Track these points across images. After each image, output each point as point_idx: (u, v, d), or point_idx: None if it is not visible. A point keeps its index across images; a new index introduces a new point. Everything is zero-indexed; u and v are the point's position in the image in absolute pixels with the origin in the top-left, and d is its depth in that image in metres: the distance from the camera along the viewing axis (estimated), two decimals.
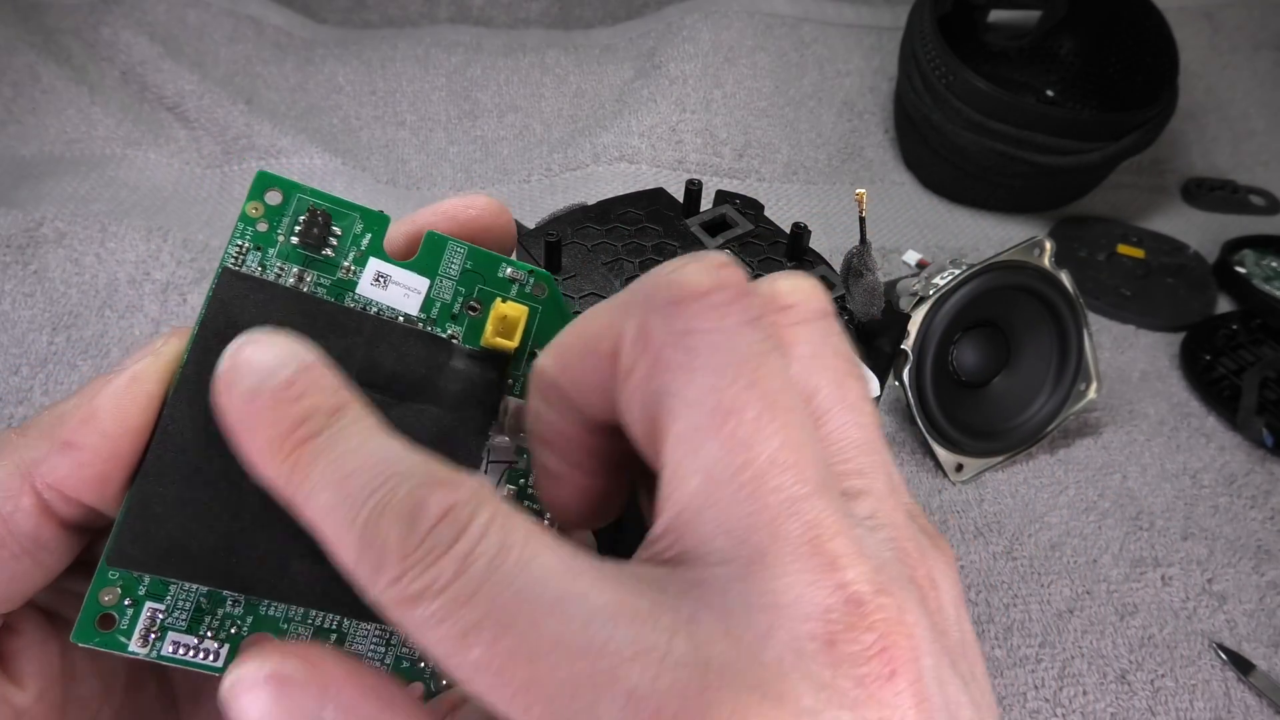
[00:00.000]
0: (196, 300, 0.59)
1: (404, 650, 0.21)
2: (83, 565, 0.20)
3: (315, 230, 0.20)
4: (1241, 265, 0.72)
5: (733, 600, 0.14)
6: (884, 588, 0.15)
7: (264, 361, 0.17)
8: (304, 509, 0.16)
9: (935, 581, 0.16)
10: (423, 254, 0.21)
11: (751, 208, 0.43)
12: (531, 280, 0.22)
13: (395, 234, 0.21)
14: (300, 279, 0.20)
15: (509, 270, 0.22)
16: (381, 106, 0.81)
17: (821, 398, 0.17)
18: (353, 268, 0.21)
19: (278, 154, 0.72)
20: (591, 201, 0.43)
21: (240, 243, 0.20)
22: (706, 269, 0.16)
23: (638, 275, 0.39)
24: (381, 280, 0.21)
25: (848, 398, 0.17)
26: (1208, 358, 0.64)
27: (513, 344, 0.21)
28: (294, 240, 0.20)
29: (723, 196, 0.44)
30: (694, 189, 0.42)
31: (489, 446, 0.21)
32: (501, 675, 0.14)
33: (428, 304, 0.21)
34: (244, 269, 0.20)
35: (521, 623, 0.14)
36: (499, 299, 0.21)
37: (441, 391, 0.21)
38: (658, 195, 0.43)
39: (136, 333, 0.56)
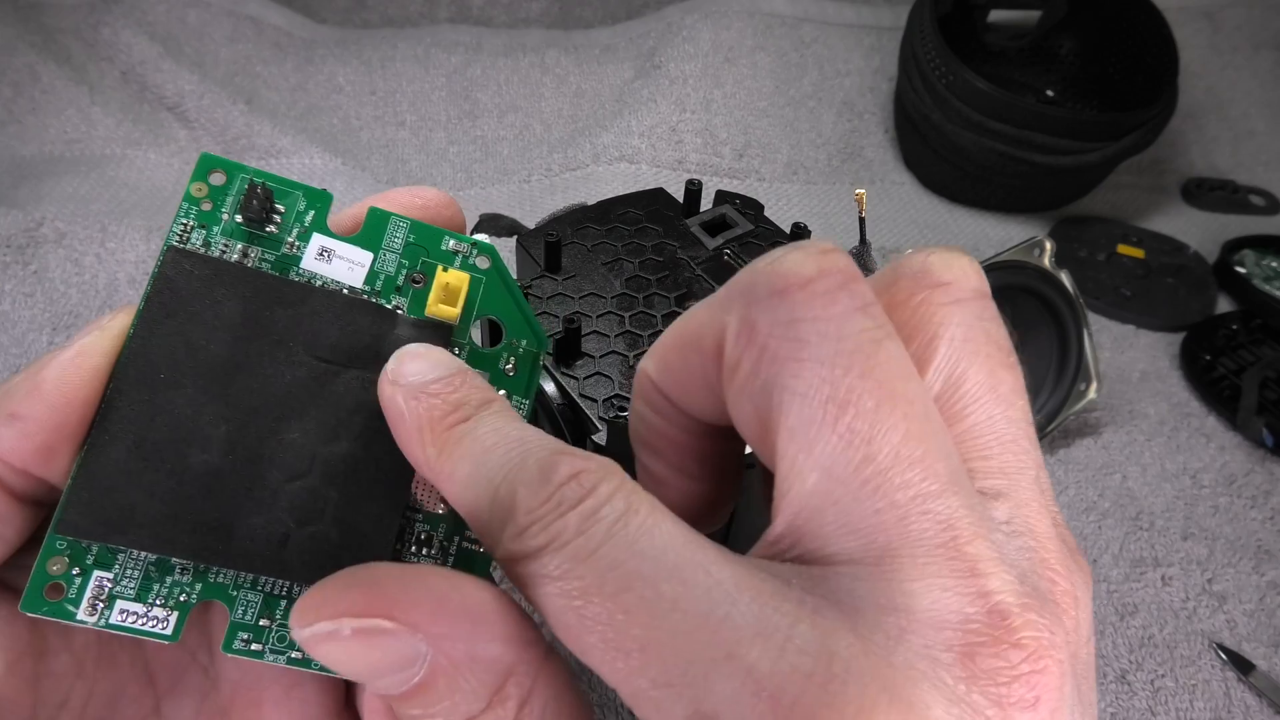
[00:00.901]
0: None
1: None
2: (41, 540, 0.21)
3: (256, 205, 0.21)
4: (1241, 265, 0.72)
5: (860, 600, 0.14)
6: (1030, 603, 0.14)
7: (428, 362, 0.19)
8: (448, 483, 0.17)
9: (1077, 599, 0.15)
10: (366, 229, 0.22)
11: (751, 208, 0.43)
12: (475, 252, 0.22)
13: (343, 218, 0.22)
14: (245, 255, 0.21)
15: (451, 243, 0.22)
16: (381, 106, 0.81)
17: (969, 386, 0.16)
18: (296, 243, 0.21)
19: (278, 154, 0.72)
20: (591, 201, 0.43)
21: (185, 221, 0.20)
22: (809, 256, 0.15)
23: (638, 275, 0.39)
24: (325, 255, 0.21)
25: (999, 389, 0.16)
26: (1208, 358, 0.64)
27: (456, 310, 0.21)
28: (237, 218, 0.21)
29: (723, 196, 0.44)
30: (694, 189, 0.42)
31: None
32: (617, 635, 0.14)
33: (371, 276, 0.21)
34: (188, 246, 0.20)
35: (641, 583, 0.14)
36: (441, 268, 0.22)
37: (386, 360, 0.21)
38: (658, 195, 0.43)
39: None
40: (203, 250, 0.20)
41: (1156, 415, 0.60)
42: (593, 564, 0.14)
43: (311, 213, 0.21)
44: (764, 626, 0.13)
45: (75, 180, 0.69)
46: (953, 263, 0.17)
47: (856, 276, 0.15)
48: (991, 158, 0.72)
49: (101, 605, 0.19)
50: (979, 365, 0.16)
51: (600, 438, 0.33)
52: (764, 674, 0.13)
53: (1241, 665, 0.46)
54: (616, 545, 0.14)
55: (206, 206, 0.21)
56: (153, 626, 0.19)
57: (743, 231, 0.41)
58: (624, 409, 0.33)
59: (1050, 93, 0.84)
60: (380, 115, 0.80)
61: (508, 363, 0.22)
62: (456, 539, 0.21)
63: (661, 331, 0.36)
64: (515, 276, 0.31)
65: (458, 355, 0.21)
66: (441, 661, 0.15)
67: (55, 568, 0.19)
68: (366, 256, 0.21)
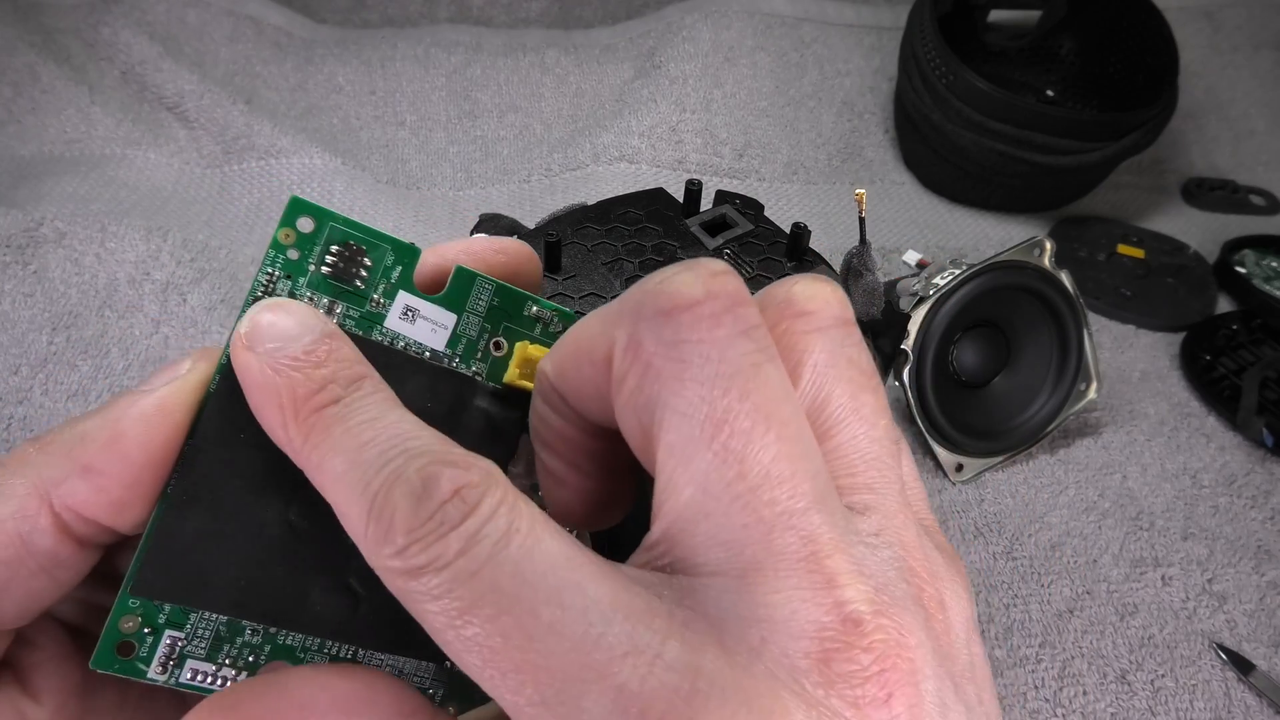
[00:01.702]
0: (196, 300, 0.59)
1: (415, 679, 0.21)
2: (102, 577, 0.20)
3: (346, 261, 0.20)
4: (1241, 265, 0.72)
5: (726, 611, 0.14)
6: (884, 609, 0.14)
7: (286, 326, 0.17)
8: (316, 474, 0.16)
9: (944, 603, 0.16)
10: (451, 289, 0.21)
11: (751, 208, 0.43)
12: (556, 319, 0.22)
13: (422, 265, 0.21)
14: (330, 310, 0.20)
15: (534, 309, 0.22)
16: (381, 106, 0.81)
17: (833, 409, 0.17)
18: (382, 300, 0.20)
19: (278, 154, 0.72)
20: (591, 201, 0.43)
21: (271, 270, 0.20)
22: (698, 278, 0.16)
23: (638, 275, 0.39)
24: (410, 314, 0.20)
25: (861, 410, 0.17)
26: (1208, 358, 0.64)
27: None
28: (324, 270, 0.20)
29: (723, 196, 0.44)
30: (694, 189, 0.42)
31: None
32: (496, 654, 0.14)
33: (454, 340, 0.21)
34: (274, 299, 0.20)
35: (520, 605, 0.14)
36: (526, 341, 0.21)
37: (464, 428, 0.21)
38: (658, 195, 0.43)
39: (136, 333, 0.56)
40: None
41: (1156, 415, 0.60)
42: (473, 586, 0.14)
43: (399, 269, 0.20)
44: (635, 645, 0.14)
45: (75, 180, 0.69)
46: (815, 293, 0.17)
47: (743, 300, 0.16)
48: (991, 158, 0.72)
49: (173, 664, 0.19)
50: (842, 388, 0.17)
51: None
52: (633, 692, 0.13)
53: (1241, 665, 0.45)
54: (497, 568, 0.14)
55: (293, 255, 0.20)
56: (221, 686, 0.19)
57: (743, 231, 0.41)
58: None
59: (1050, 93, 0.84)
60: (380, 115, 0.80)
61: None
62: None
63: None
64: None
65: None
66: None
67: (128, 625, 0.19)
68: (450, 319, 0.21)
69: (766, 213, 0.43)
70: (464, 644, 0.14)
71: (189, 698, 0.22)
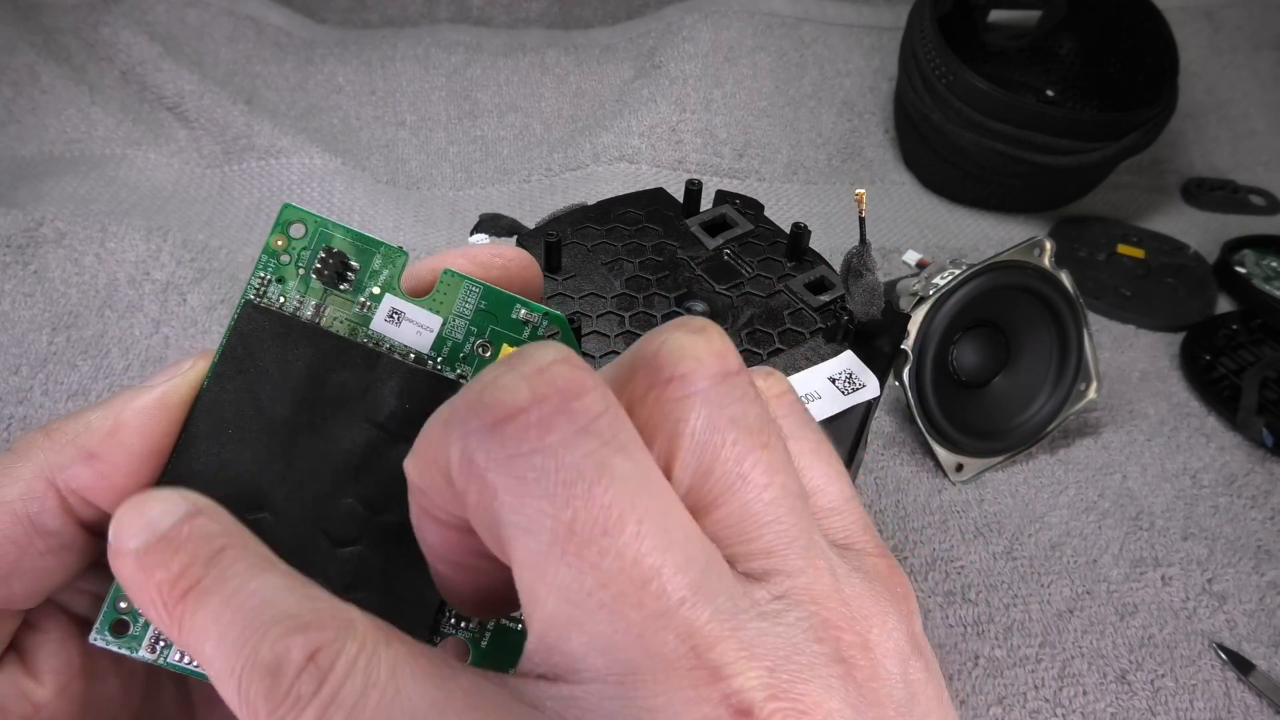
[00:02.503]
0: (196, 300, 0.59)
1: None
2: (106, 570, 0.21)
3: (332, 264, 0.21)
4: (1241, 265, 0.72)
5: (607, 712, 0.14)
6: (779, 689, 0.14)
7: (147, 517, 0.17)
8: (197, 657, 0.16)
9: (869, 644, 0.15)
10: (438, 291, 0.21)
11: (751, 208, 0.43)
12: (545, 323, 0.22)
13: (420, 269, 0.21)
14: (318, 312, 0.21)
15: (523, 312, 0.22)
16: (381, 106, 0.81)
17: (717, 477, 0.16)
18: (368, 303, 0.21)
19: (278, 154, 0.72)
20: (591, 201, 0.43)
21: (263, 274, 0.21)
22: (523, 379, 0.15)
23: (638, 275, 0.39)
24: (395, 317, 0.21)
25: (748, 473, 0.16)
26: (1208, 358, 0.64)
27: None
28: (313, 274, 0.21)
29: (723, 196, 0.44)
30: (694, 189, 0.42)
31: None
32: None
33: (439, 342, 0.21)
34: (265, 301, 0.21)
35: None
36: (505, 344, 0.21)
37: None
38: (658, 195, 0.43)
39: (136, 333, 0.56)
40: (279, 305, 0.21)
41: (1156, 415, 0.60)
42: (340, 699, 0.14)
43: (385, 272, 0.21)
44: None
45: (75, 180, 0.69)
46: (686, 350, 0.16)
47: (578, 392, 0.15)
48: (991, 158, 0.72)
49: (161, 644, 0.20)
50: (725, 453, 0.16)
51: None
52: None
53: (1241, 665, 0.45)
54: (353, 686, 0.14)
55: (284, 260, 0.21)
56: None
57: (743, 231, 0.41)
58: None
59: (1050, 93, 0.84)
60: (380, 115, 0.80)
61: None
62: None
63: None
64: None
65: None
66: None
67: (123, 605, 0.19)
68: (436, 321, 0.21)
69: (766, 213, 0.43)
70: None
71: (192, 693, 0.23)
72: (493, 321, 0.21)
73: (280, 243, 0.21)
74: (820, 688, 0.14)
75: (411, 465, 0.17)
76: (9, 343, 0.55)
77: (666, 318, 0.37)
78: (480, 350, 0.21)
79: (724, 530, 0.16)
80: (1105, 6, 0.79)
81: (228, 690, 0.16)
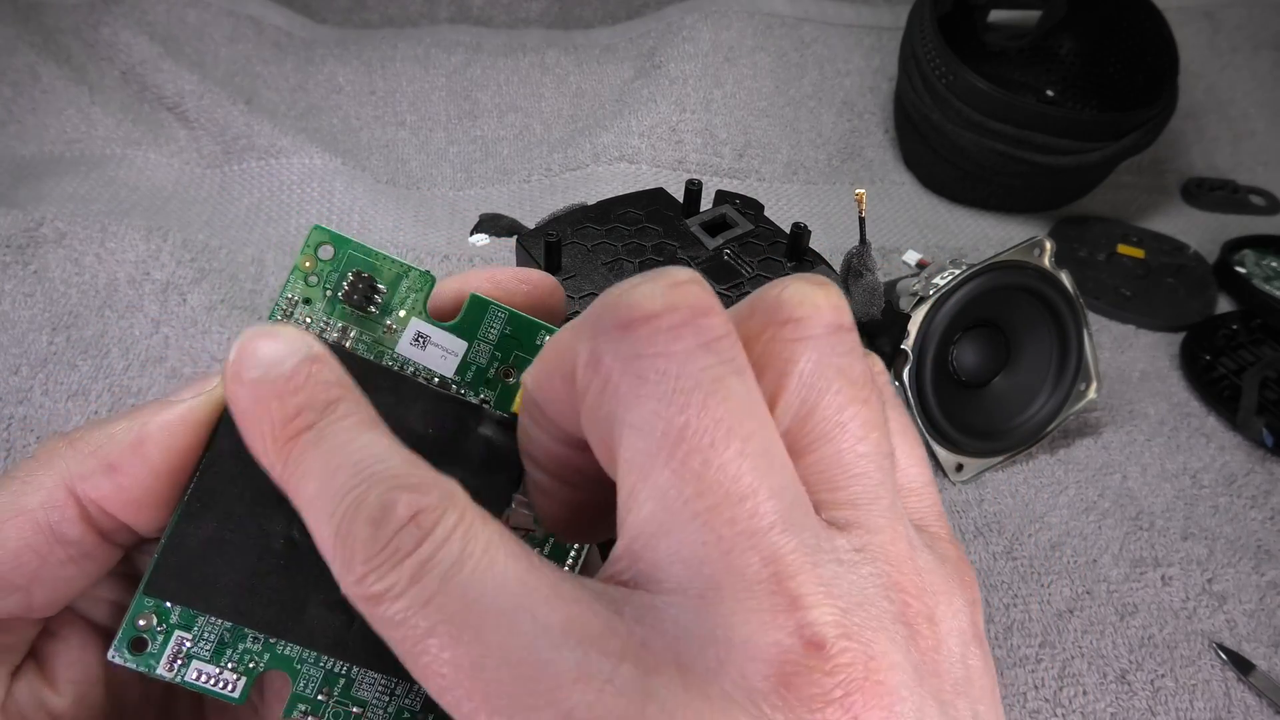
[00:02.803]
0: (196, 300, 0.59)
1: (406, 701, 0.21)
2: (124, 578, 0.21)
3: (360, 288, 0.21)
4: (1241, 265, 0.72)
5: (684, 631, 0.14)
6: (851, 631, 0.14)
7: (269, 353, 0.18)
8: (295, 498, 0.17)
9: (934, 617, 0.16)
10: (464, 316, 0.21)
11: (751, 208, 0.43)
12: None
13: (445, 290, 0.21)
14: (344, 334, 0.21)
15: (546, 338, 0.22)
16: (381, 106, 0.81)
17: (817, 421, 0.16)
18: (394, 327, 0.21)
19: (278, 154, 0.72)
20: (591, 201, 0.43)
21: (290, 295, 0.21)
22: (659, 290, 0.15)
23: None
24: (421, 341, 0.21)
25: (847, 423, 0.16)
26: (1208, 358, 0.64)
27: None
28: (340, 296, 0.21)
29: (723, 196, 0.44)
30: (694, 189, 0.42)
31: (509, 513, 0.22)
32: (451, 680, 0.14)
33: (463, 367, 0.21)
34: (291, 322, 0.21)
35: (469, 632, 0.14)
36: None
37: (468, 455, 0.21)
38: (658, 195, 0.43)
39: (136, 333, 0.56)
40: (305, 327, 0.21)
41: (1156, 415, 0.60)
42: (427, 613, 0.14)
43: (412, 296, 0.21)
44: (585, 670, 0.14)
45: (75, 180, 0.69)
46: (806, 297, 0.17)
47: (706, 310, 0.15)
48: (991, 158, 0.72)
49: (179, 663, 0.20)
50: (828, 400, 0.16)
51: None
52: (580, 718, 0.13)
53: (1241, 665, 0.45)
54: (449, 596, 0.14)
55: (313, 281, 0.21)
56: (222, 688, 0.20)
57: (743, 231, 0.41)
58: None
59: (1050, 93, 0.84)
60: (380, 115, 0.80)
61: None
62: None
63: None
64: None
65: None
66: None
67: (142, 623, 0.20)
68: (461, 345, 0.21)
69: (766, 213, 0.43)
70: (423, 670, 0.14)
71: (209, 703, 0.23)
72: (517, 347, 0.22)
73: (309, 264, 0.21)
74: (887, 640, 0.14)
75: (530, 374, 0.18)
76: (9, 343, 0.55)
77: None
78: (503, 376, 0.21)
79: (814, 475, 0.16)
80: (1105, 6, 0.79)
81: (323, 532, 0.16)
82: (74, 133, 0.73)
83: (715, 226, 0.42)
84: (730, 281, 0.39)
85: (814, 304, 0.17)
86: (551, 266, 0.38)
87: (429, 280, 0.21)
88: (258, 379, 0.17)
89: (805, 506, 0.15)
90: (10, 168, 0.70)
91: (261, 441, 0.17)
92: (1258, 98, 0.92)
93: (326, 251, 0.21)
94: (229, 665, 0.20)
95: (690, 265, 0.40)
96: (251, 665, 0.20)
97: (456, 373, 0.21)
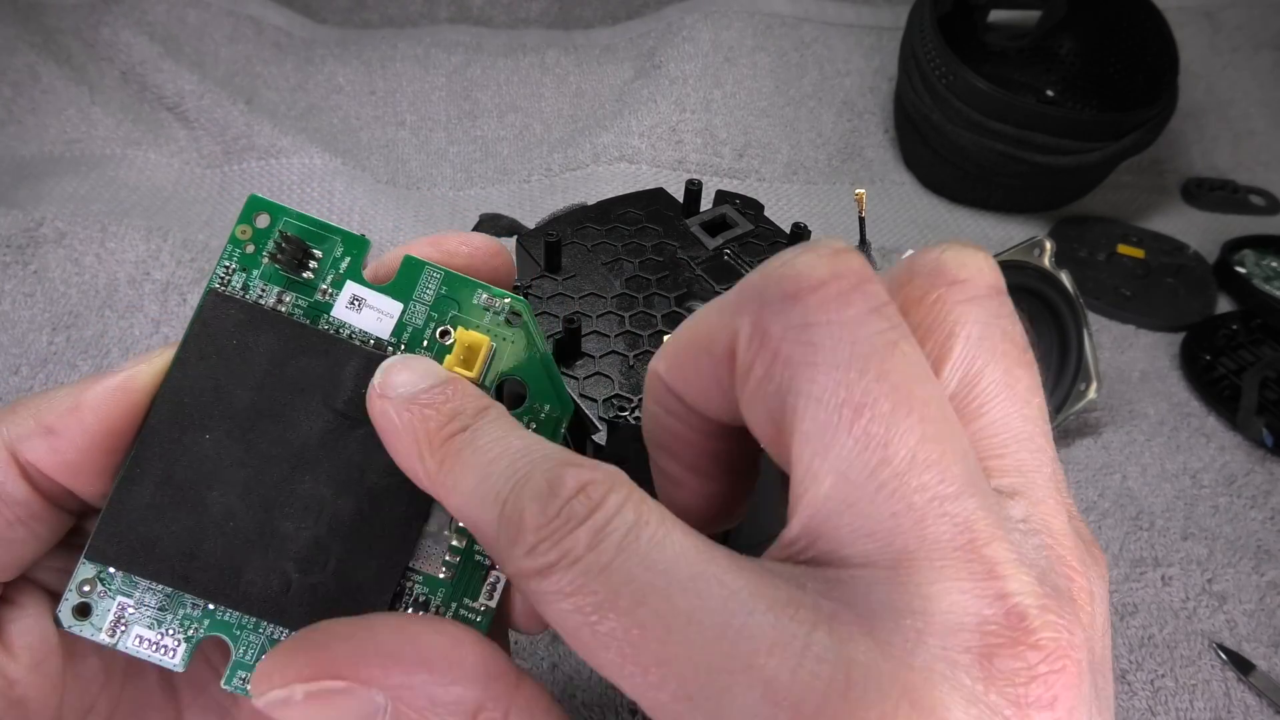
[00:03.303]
0: (196, 300, 0.59)
1: None
2: (75, 549, 0.21)
3: (293, 252, 0.21)
4: (1241, 265, 0.72)
5: (877, 604, 0.14)
6: (1049, 604, 0.14)
7: (415, 374, 0.18)
8: (450, 497, 0.17)
9: (1092, 594, 0.15)
10: (399, 278, 0.21)
11: (751, 208, 0.43)
12: (506, 308, 0.22)
13: (390, 259, 0.22)
14: (280, 300, 0.21)
15: (484, 296, 0.22)
16: (381, 106, 0.81)
17: (985, 384, 0.16)
18: (330, 290, 0.21)
19: (278, 154, 0.72)
20: (591, 201, 0.43)
21: (228, 264, 0.21)
22: (821, 257, 0.15)
23: (638, 275, 0.39)
24: (356, 304, 0.21)
25: (1015, 386, 0.16)
26: (1208, 358, 0.64)
27: (473, 374, 0.21)
28: (277, 263, 0.21)
29: (723, 196, 0.44)
30: (694, 189, 0.42)
31: None
32: (634, 649, 0.13)
33: (399, 328, 0.21)
34: (229, 289, 0.21)
35: (655, 595, 0.13)
36: (461, 327, 0.21)
37: None
38: (658, 195, 0.43)
39: (136, 333, 0.56)
40: (241, 294, 0.21)
41: (1156, 415, 0.60)
42: (606, 579, 0.14)
43: (347, 260, 0.21)
44: (781, 635, 0.13)
45: (75, 180, 0.69)
46: (967, 260, 0.17)
47: (870, 277, 0.15)
48: (991, 158, 0.72)
49: (120, 629, 0.20)
50: (995, 363, 0.16)
51: (600, 438, 0.33)
52: (783, 685, 0.13)
53: (1241, 665, 0.45)
54: (629, 559, 0.14)
55: (249, 250, 0.21)
56: (163, 655, 0.20)
57: (743, 231, 0.41)
58: (624, 409, 0.33)
59: (1050, 93, 0.84)
60: (380, 115, 0.80)
61: (528, 427, 0.22)
62: (454, 604, 0.21)
63: (662, 331, 0.36)
64: (516, 278, 0.31)
65: None
66: (403, 711, 0.15)
67: (86, 588, 0.20)
68: (396, 307, 0.21)
69: (766, 213, 0.43)
70: (600, 641, 0.14)
71: (175, 680, 0.23)
72: (454, 307, 0.22)
73: (245, 233, 0.21)
74: (1073, 616, 0.14)
75: (663, 361, 0.18)
76: (9, 343, 0.55)
77: (666, 318, 0.37)
78: (440, 337, 0.21)
79: (981, 440, 0.16)
80: (1105, 6, 0.79)
81: (486, 518, 0.16)
82: (74, 133, 0.73)
83: (715, 226, 0.42)
84: (730, 281, 0.39)
85: (977, 266, 0.17)
86: (552, 266, 0.38)
87: (363, 243, 0.21)
88: (406, 393, 0.18)
89: (982, 473, 0.15)
90: (10, 168, 0.70)
91: (415, 449, 0.17)
92: (1258, 98, 0.92)
93: (263, 220, 0.21)
94: (169, 631, 0.20)
95: (690, 265, 0.40)
96: (191, 632, 0.20)
97: (392, 334, 0.21)
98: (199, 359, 0.20)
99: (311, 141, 0.73)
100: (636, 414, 0.33)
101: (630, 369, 0.35)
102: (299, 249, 0.21)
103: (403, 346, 0.21)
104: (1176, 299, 0.69)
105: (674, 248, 0.40)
